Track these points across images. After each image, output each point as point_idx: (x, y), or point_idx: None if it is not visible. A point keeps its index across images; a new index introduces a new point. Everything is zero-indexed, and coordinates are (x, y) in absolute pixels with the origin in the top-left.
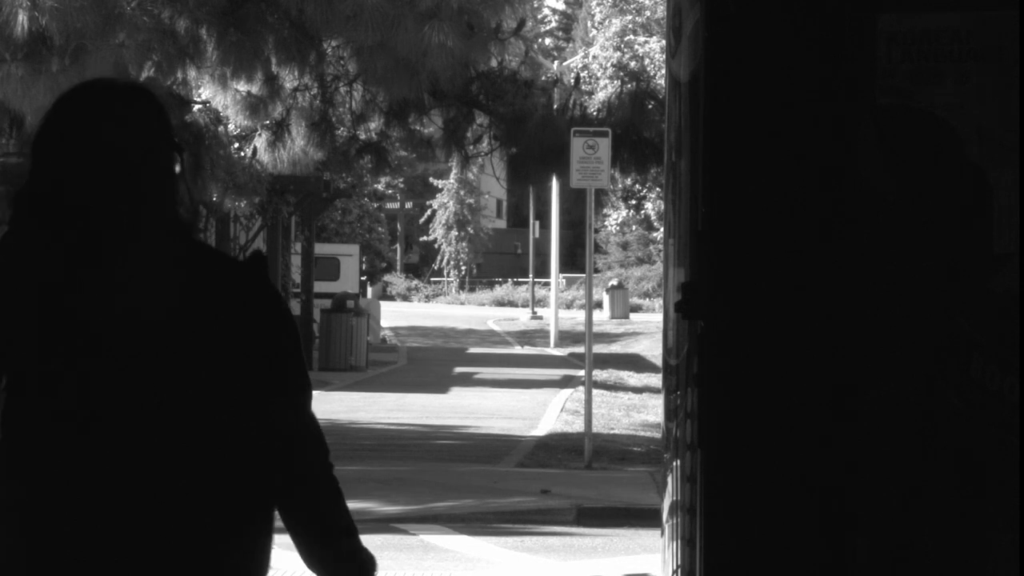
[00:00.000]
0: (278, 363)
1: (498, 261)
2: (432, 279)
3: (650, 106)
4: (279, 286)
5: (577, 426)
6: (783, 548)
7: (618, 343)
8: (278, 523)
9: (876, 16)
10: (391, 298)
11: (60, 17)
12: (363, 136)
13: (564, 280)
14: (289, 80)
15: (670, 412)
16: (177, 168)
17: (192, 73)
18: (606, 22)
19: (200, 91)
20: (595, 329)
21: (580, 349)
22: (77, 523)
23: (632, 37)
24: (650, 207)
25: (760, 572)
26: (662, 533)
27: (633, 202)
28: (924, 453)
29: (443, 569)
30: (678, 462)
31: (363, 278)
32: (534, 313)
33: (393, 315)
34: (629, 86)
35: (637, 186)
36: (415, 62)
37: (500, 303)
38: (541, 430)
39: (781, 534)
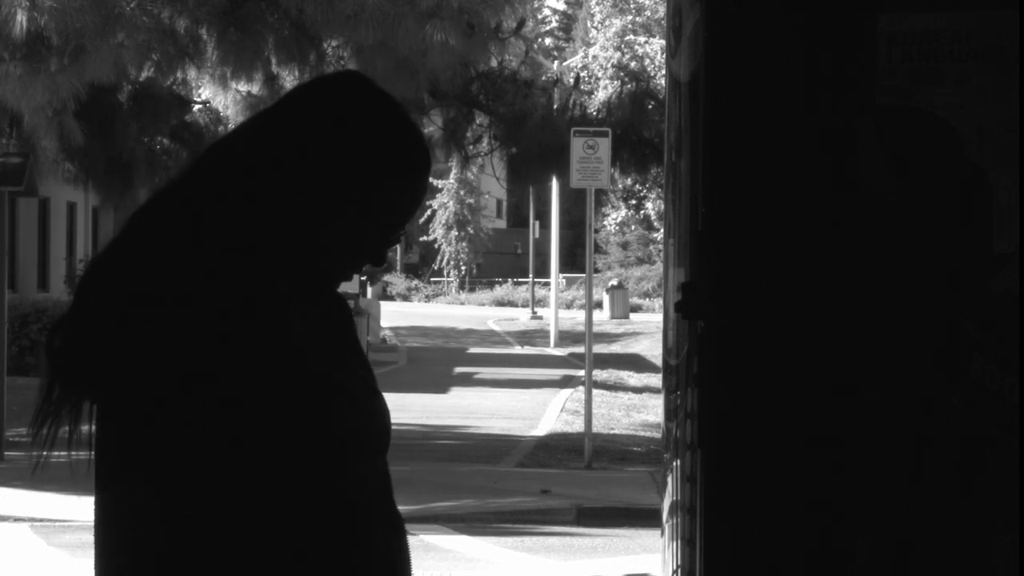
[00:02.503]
0: None
1: (498, 261)
2: (432, 279)
3: (650, 106)
4: None
5: (577, 426)
6: (783, 548)
7: (618, 343)
8: None
9: (876, 16)
10: (391, 298)
11: (59, 17)
12: None
13: (564, 280)
14: (289, 80)
15: (670, 412)
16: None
17: (192, 73)
18: (606, 22)
19: (200, 91)
20: (595, 329)
21: (580, 349)
22: None
23: (632, 37)
24: (650, 207)
25: (760, 572)
26: (662, 533)
27: (633, 202)
28: (924, 453)
29: (443, 569)
30: (678, 462)
31: (363, 278)
32: (534, 313)
33: (393, 315)
34: (629, 86)
35: (637, 186)
36: (415, 62)
37: (500, 303)
38: (541, 430)
39: (781, 534)
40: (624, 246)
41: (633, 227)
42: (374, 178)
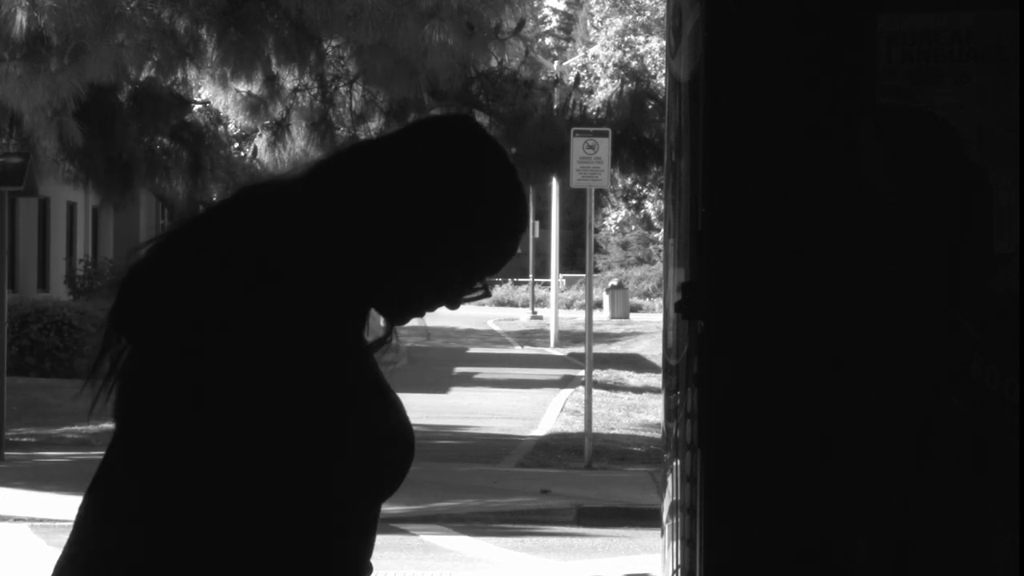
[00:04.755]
0: None
1: None
2: None
3: (650, 106)
4: None
5: (577, 426)
6: (783, 548)
7: (618, 343)
8: None
9: (876, 16)
10: None
11: (59, 17)
12: (363, 136)
13: (564, 280)
14: (289, 80)
15: (670, 412)
16: None
17: (192, 73)
18: (606, 22)
19: (200, 91)
20: (595, 329)
21: (580, 349)
22: None
23: (632, 37)
24: (650, 207)
25: (760, 572)
26: (662, 533)
27: (633, 202)
28: (924, 453)
29: (443, 569)
30: (678, 462)
31: None
32: (534, 313)
33: None
34: (629, 86)
35: (637, 186)
36: (415, 62)
37: (500, 303)
38: (541, 430)
39: (781, 534)
40: (624, 246)
41: (633, 227)
42: (467, 219)
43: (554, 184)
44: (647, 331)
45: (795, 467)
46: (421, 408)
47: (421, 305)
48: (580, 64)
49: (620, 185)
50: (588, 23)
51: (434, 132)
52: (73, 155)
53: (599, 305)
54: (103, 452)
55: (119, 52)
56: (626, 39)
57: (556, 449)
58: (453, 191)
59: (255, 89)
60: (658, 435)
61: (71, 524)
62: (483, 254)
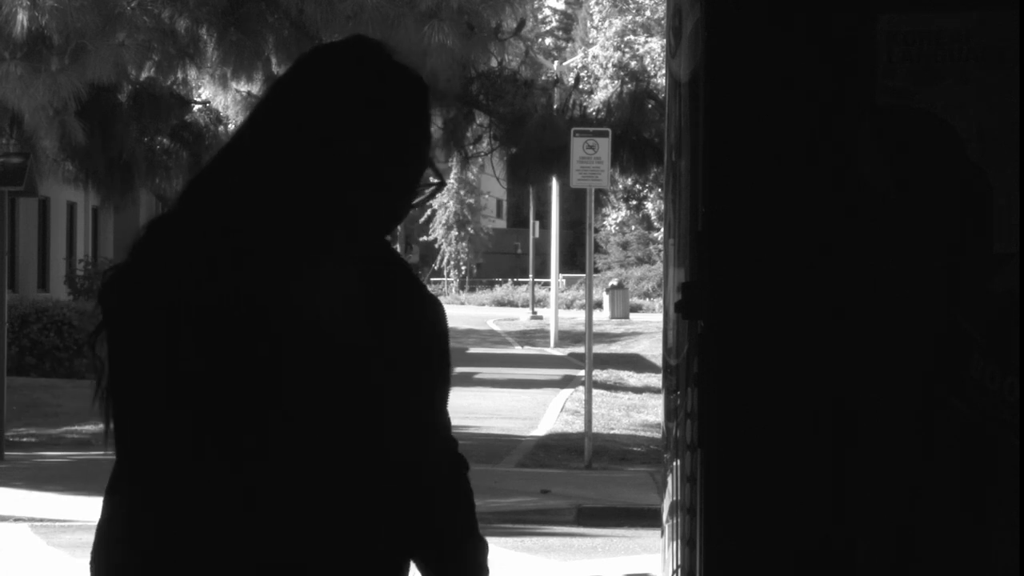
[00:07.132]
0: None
1: (498, 261)
2: (432, 279)
3: (650, 106)
4: None
5: (577, 426)
6: (783, 548)
7: (618, 343)
8: None
9: (876, 16)
10: None
11: (60, 16)
12: None
13: (564, 280)
14: None
15: (670, 412)
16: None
17: (192, 73)
18: (606, 22)
19: (200, 91)
20: (595, 329)
21: (580, 349)
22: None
23: (632, 37)
24: (650, 207)
25: (760, 572)
26: (662, 533)
27: (633, 202)
28: (924, 453)
29: None
30: (678, 462)
31: None
32: (534, 313)
33: None
34: (629, 86)
35: (637, 186)
36: (415, 62)
37: (500, 303)
38: (541, 430)
39: (781, 534)
40: (624, 246)
41: (633, 227)
42: (402, 136)
43: (554, 184)
44: (647, 331)
45: (795, 467)
46: None
47: (400, 209)
48: (580, 64)
49: (620, 185)
50: (588, 23)
51: (315, 66)
52: (73, 155)
53: (599, 305)
54: (103, 452)
55: (119, 52)
56: (626, 39)
57: (556, 449)
58: (353, 102)
59: (255, 89)
60: (658, 435)
61: (71, 524)
62: (404, 137)
